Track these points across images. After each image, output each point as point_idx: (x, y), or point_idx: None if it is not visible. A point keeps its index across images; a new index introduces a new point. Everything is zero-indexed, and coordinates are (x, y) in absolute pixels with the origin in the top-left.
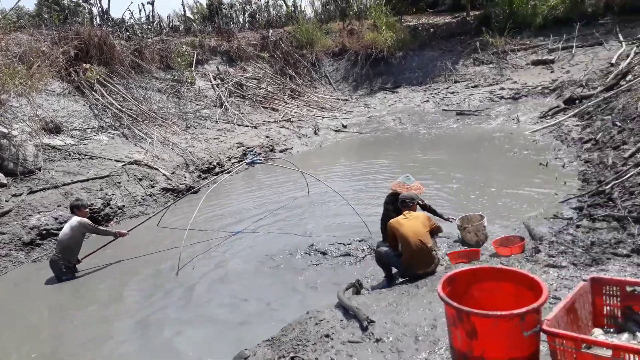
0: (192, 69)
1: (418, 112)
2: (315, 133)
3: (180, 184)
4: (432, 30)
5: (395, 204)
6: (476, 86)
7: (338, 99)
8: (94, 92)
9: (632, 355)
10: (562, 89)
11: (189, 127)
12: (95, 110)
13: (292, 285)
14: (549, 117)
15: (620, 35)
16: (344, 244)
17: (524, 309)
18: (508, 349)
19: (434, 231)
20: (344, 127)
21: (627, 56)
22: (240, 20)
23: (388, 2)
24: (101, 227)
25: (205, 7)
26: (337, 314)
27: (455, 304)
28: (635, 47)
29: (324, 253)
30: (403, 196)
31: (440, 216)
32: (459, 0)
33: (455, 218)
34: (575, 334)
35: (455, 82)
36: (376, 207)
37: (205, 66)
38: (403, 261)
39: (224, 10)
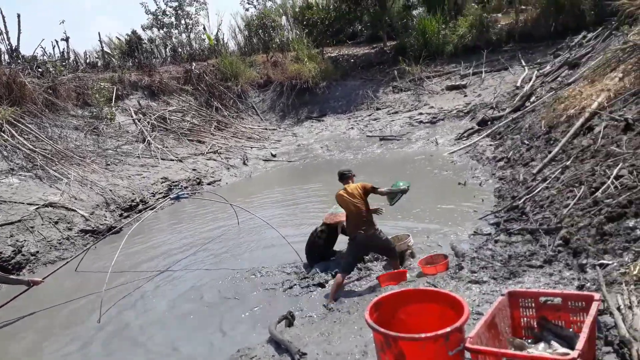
0: (112, 104)
1: (344, 139)
2: (244, 163)
3: (101, 225)
4: (352, 60)
5: (327, 234)
6: (396, 112)
7: (266, 129)
8: (2, 133)
9: None
10: (475, 112)
11: (109, 165)
12: (5, 152)
13: (223, 322)
14: (464, 139)
15: (522, 61)
16: (273, 273)
17: (447, 329)
18: None
19: (368, 192)
20: (273, 156)
21: (530, 79)
22: (162, 54)
23: (309, 35)
24: (11, 276)
25: (124, 42)
26: (269, 350)
27: (381, 329)
28: (536, 71)
29: (255, 284)
30: (341, 171)
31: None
32: (376, 32)
33: (382, 210)
34: (496, 349)
35: (377, 109)
36: (306, 234)
37: (125, 101)
38: (347, 226)
39: (144, 45)
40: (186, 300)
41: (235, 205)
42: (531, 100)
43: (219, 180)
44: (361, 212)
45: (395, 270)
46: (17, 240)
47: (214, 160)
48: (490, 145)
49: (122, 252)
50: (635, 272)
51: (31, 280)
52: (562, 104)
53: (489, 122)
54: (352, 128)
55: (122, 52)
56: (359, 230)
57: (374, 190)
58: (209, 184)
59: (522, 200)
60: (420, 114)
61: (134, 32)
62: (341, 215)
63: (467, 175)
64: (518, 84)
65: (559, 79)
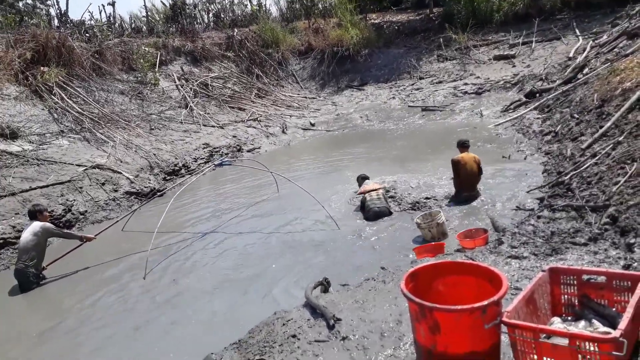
0: (156, 70)
1: (385, 108)
2: (283, 132)
3: (145, 187)
4: (396, 27)
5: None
6: (440, 82)
7: (305, 98)
8: (52, 96)
9: (587, 343)
10: (523, 83)
11: (152, 129)
12: (55, 114)
13: (261, 284)
14: (511, 111)
15: (577, 30)
16: (310, 237)
17: (484, 302)
18: (470, 342)
19: (480, 170)
20: (312, 125)
21: (584, 50)
22: (205, 20)
23: (352, 1)
24: (66, 231)
25: (168, 7)
26: (304, 314)
27: (417, 299)
28: (591, 41)
29: (294, 249)
30: (464, 140)
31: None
32: None
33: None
34: (534, 325)
35: (420, 78)
36: (345, 203)
37: (169, 67)
38: (458, 185)
39: (188, 10)
40: (225, 261)
41: (275, 172)
42: (584, 72)
43: (259, 148)
44: (475, 176)
45: (433, 243)
46: (67, 200)
47: (254, 127)
48: (538, 118)
49: (166, 215)
50: None
51: (84, 236)
52: (617, 77)
53: (537, 95)
54: (393, 98)
55: (166, 17)
56: (469, 190)
57: (480, 167)
58: (248, 151)
59: (568, 176)
60: (466, 84)
61: None
62: (374, 185)
63: (511, 148)
64: (571, 55)
65: (615, 49)
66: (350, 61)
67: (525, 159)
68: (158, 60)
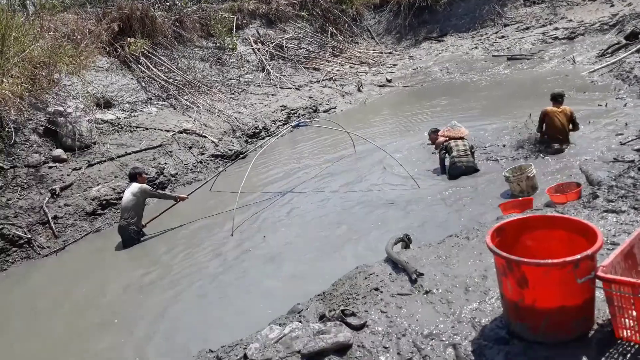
0: (233, 34)
1: (466, 60)
2: (359, 90)
3: (229, 150)
4: None
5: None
6: (527, 28)
7: (381, 53)
8: (139, 65)
9: None
10: (623, 24)
11: (233, 94)
12: (143, 83)
13: (342, 240)
14: (608, 55)
15: None
16: (391, 199)
17: (577, 256)
18: (561, 296)
19: (573, 116)
20: (389, 81)
21: None
22: None
23: None
24: (161, 191)
25: None
26: (386, 268)
27: (504, 253)
28: None
29: (372, 207)
30: (556, 92)
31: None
32: None
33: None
34: (633, 279)
35: (505, 25)
36: (425, 160)
37: (245, 31)
38: (548, 137)
39: None
40: (306, 219)
41: (352, 132)
42: None
43: (334, 108)
44: (565, 130)
45: (521, 198)
46: (159, 163)
47: (329, 87)
48: None
49: (249, 175)
50: None
51: (178, 197)
52: None
53: None
54: (475, 47)
55: None
56: (559, 142)
57: (574, 118)
58: (324, 111)
59: None
60: (556, 29)
61: None
62: (462, 131)
63: (609, 96)
64: None
65: None
66: (428, 12)
67: (624, 106)
68: (235, 25)
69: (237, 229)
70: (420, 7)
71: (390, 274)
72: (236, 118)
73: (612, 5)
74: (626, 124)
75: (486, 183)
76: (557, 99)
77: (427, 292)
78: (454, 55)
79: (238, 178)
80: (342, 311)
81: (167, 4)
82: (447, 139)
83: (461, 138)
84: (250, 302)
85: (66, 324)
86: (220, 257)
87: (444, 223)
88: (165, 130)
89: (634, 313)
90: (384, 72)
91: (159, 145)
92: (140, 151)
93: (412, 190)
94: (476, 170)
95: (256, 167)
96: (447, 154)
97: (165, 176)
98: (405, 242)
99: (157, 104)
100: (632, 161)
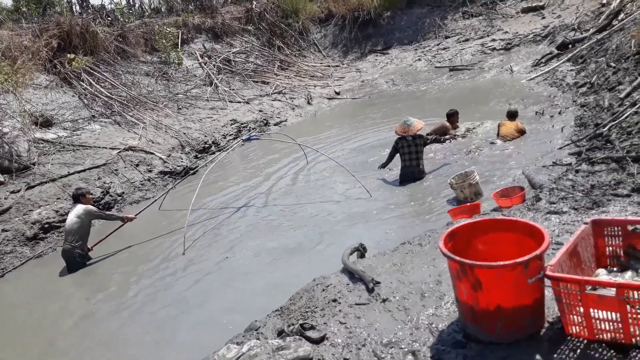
0: (178, 49)
1: (410, 71)
2: (309, 103)
3: (178, 166)
4: None
5: (398, 144)
6: (467, 40)
7: (329, 66)
8: (81, 82)
9: (635, 292)
10: (554, 35)
11: (180, 109)
12: (85, 100)
13: (297, 253)
14: (542, 65)
15: None
16: (344, 209)
17: (527, 257)
18: (514, 297)
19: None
20: (337, 94)
21: None
22: None
23: None
24: (107, 212)
25: None
26: (343, 279)
27: (457, 258)
28: None
29: (326, 219)
30: (511, 110)
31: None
32: None
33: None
34: (579, 277)
35: (446, 37)
36: (377, 169)
37: (191, 45)
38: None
39: None
40: (259, 234)
41: (303, 144)
42: (619, 17)
43: (285, 121)
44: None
45: (469, 204)
46: (104, 182)
47: (279, 100)
48: (571, 70)
49: (200, 192)
50: None
51: (125, 217)
52: None
53: (570, 45)
54: (419, 59)
55: None
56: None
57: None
58: (275, 124)
59: (607, 127)
60: (493, 40)
61: None
62: (416, 125)
63: (545, 103)
64: (604, 1)
65: None
66: (372, 25)
67: (560, 113)
68: (180, 39)
69: (189, 248)
70: (364, 21)
71: (347, 284)
72: (184, 133)
73: (544, 18)
74: (562, 129)
75: (435, 188)
76: (512, 115)
77: (384, 301)
78: (399, 67)
79: (189, 195)
80: (301, 325)
81: (109, 19)
82: (400, 135)
83: (414, 137)
84: (205, 321)
85: None
86: (172, 277)
87: (397, 230)
88: (110, 148)
89: (582, 309)
90: (332, 85)
91: (104, 164)
92: (84, 170)
93: (364, 199)
94: (424, 175)
95: (207, 183)
96: (397, 154)
97: (111, 196)
98: (361, 251)
99: (100, 121)
100: (570, 164)
